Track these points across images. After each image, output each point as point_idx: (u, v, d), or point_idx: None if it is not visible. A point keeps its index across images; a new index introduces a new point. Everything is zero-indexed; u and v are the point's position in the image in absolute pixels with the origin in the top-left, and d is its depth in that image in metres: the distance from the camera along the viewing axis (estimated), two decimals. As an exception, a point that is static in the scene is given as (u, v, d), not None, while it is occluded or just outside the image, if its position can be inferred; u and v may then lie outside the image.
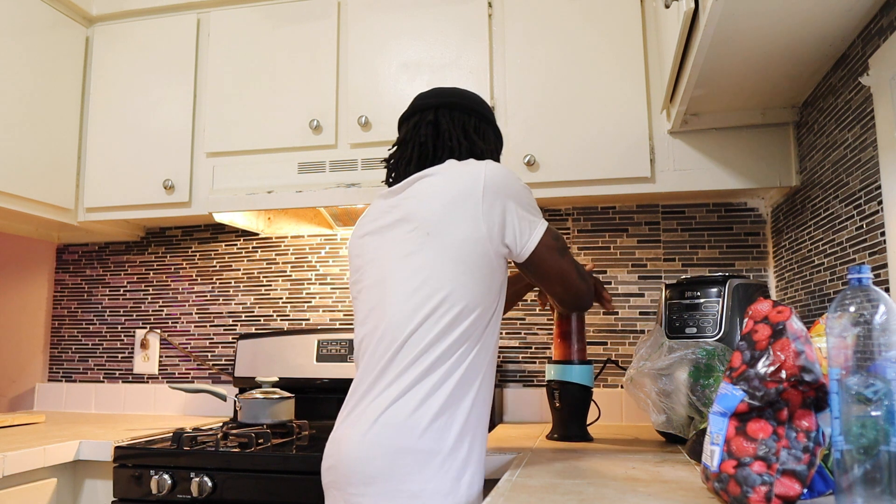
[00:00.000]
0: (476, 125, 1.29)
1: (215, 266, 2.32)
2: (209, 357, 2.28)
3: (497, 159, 1.33)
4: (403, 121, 1.33)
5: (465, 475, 1.09)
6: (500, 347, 2.05)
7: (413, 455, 1.05)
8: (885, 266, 1.15)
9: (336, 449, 1.13)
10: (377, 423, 1.08)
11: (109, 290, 2.40)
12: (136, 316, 2.36)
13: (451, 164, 1.21)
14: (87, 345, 2.39)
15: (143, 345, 2.32)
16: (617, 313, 2.00)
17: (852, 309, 0.76)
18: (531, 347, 2.05)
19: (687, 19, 1.22)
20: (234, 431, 1.68)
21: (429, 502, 1.04)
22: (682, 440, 1.41)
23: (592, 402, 1.60)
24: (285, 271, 2.26)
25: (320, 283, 2.23)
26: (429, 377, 1.09)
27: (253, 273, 2.28)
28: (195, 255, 2.34)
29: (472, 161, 1.20)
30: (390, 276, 1.17)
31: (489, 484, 1.43)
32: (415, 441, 1.06)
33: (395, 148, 1.32)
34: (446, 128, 1.27)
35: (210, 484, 1.51)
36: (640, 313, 1.99)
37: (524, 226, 1.16)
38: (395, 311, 1.14)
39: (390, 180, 1.30)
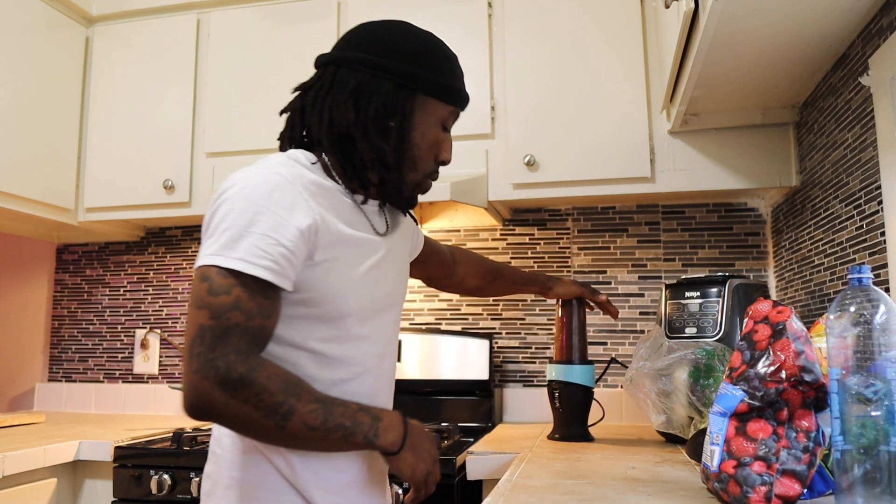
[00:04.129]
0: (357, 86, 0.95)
1: (215, 266, 2.31)
2: (209, 357, 2.27)
3: (387, 134, 0.96)
4: None
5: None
6: (501, 347, 2.05)
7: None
8: (885, 266, 1.15)
9: None
10: None
11: (109, 290, 2.39)
12: (136, 316, 2.36)
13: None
14: (87, 345, 2.39)
15: (143, 345, 2.32)
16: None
17: (852, 309, 0.76)
18: (531, 347, 2.04)
19: (687, 19, 1.22)
20: (234, 431, 1.67)
21: None
22: (682, 440, 1.41)
23: (596, 403, 1.60)
24: (285, 271, 2.25)
25: (320, 283, 2.22)
26: None
27: (253, 273, 2.27)
28: (195, 255, 2.33)
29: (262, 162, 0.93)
30: None
31: (489, 484, 1.44)
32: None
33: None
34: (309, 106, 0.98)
35: (210, 484, 1.51)
36: (640, 313, 1.99)
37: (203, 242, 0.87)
38: None
39: None
